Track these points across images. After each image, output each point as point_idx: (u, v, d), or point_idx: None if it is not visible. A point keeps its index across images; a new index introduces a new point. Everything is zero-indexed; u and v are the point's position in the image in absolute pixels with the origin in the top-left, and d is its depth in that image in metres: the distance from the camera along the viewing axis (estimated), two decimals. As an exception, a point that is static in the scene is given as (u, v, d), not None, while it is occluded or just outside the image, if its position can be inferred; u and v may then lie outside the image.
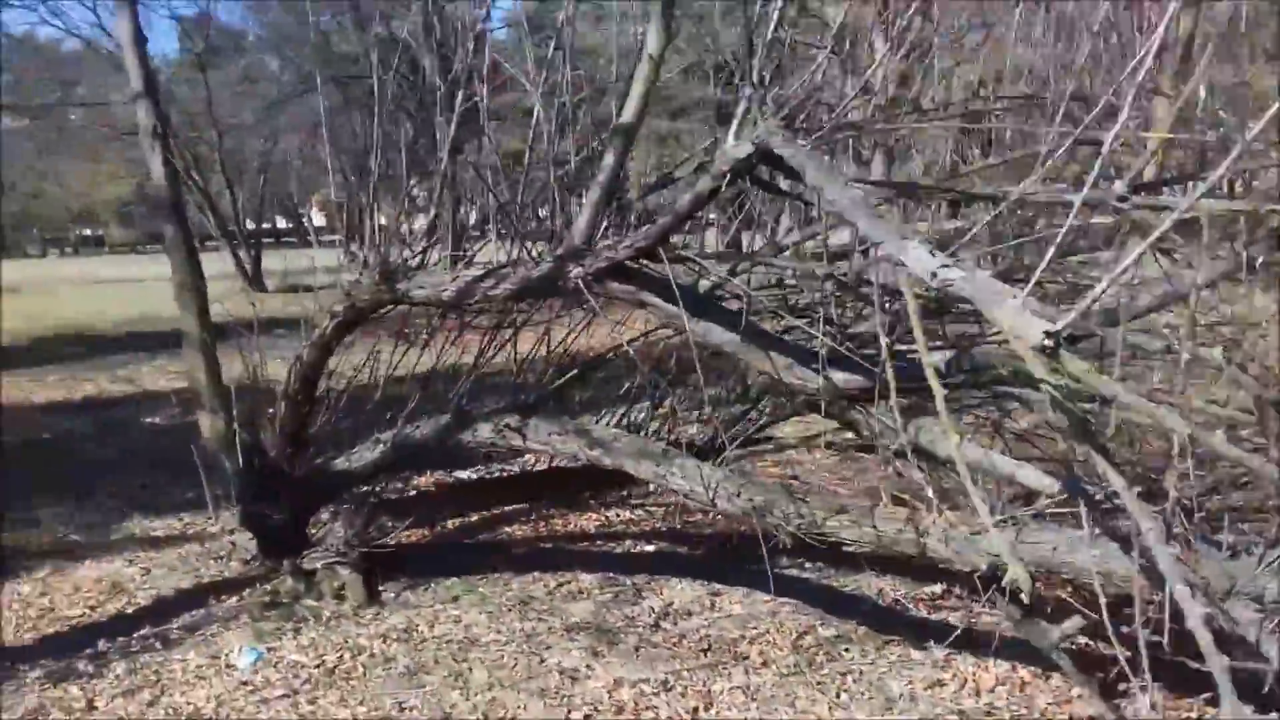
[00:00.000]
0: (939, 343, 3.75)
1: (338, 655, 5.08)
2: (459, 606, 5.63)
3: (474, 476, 7.50)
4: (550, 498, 6.59)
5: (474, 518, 6.97)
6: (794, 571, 6.03)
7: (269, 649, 5.17)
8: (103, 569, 6.44)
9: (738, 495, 4.33)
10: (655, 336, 5.42)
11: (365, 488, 6.10)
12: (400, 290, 4.97)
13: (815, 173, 3.19)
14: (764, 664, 4.85)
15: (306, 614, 5.58)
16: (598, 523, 7.16)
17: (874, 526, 3.95)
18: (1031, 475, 3.51)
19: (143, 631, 5.47)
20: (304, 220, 48.36)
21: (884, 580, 5.76)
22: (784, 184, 4.00)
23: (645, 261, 4.08)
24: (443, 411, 5.57)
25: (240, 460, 6.11)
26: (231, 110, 26.00)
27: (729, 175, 3.44)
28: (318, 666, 4.99)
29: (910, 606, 5.46)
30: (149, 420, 11.76)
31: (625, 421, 5.52)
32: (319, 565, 5.88)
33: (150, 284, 30.14)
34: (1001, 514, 3.63)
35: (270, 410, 5.83)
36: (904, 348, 3.67)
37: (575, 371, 5.39)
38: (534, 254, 4.42)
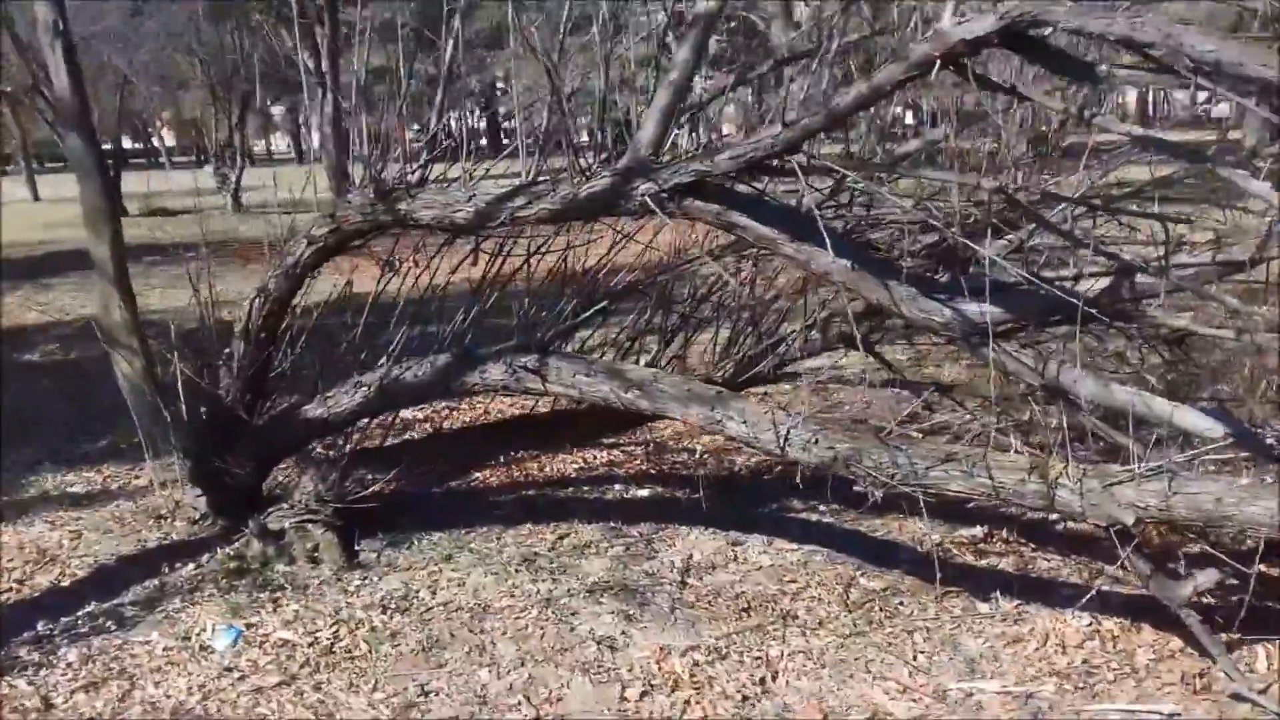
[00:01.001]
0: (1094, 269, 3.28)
1: (332, 630, 4.44)
2: (456, 567, 5.02)
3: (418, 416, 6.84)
4: (539, 440, 5.96)
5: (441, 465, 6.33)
6: (811, 516, 5.61)
7: (248, 625, 4.49)
8: (21, 534, 5.59)
9: (814, 443, 3.83)
10: (677, 261, 4.82)
11: (333, 436, 5.38)
12: (401, 211, 4.27)
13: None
14: (819, 624, 4.40)
15: (281, 581, 4.90)
16: (576, 465, 6.58)
17: (989, 477, 3.48)
18: (1193, 418, 3.08)
19: (88, 609, 4.71)
20: (154, 140, 45.57)
21: (912, 523, 5.35)
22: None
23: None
24: (431, 350, 4.89)
25: (188, 408, 5.33)
26: (93, 15, 23.78)
27: (937, 62, 2.83)
28: (311, 645, 4.34)
29: (954, 552, 5.06)
30: (24, 358, 10.59)
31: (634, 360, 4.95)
32: (288, 524, 5.18)
33: (4, 207, 27.88)
34: (1150, 461, 3.20)
35: (226, 350, 5.04)
36: (1052, 274, 3.18)
37: (602, 303, 4.75)
38: (583, 168, 3.76)
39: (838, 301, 5.01)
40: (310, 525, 5.20)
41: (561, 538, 5.39)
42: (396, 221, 4.35)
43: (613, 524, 5.53)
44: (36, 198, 33.21)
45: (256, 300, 4.89)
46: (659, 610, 4.55)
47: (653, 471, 6.43)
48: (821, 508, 5.68)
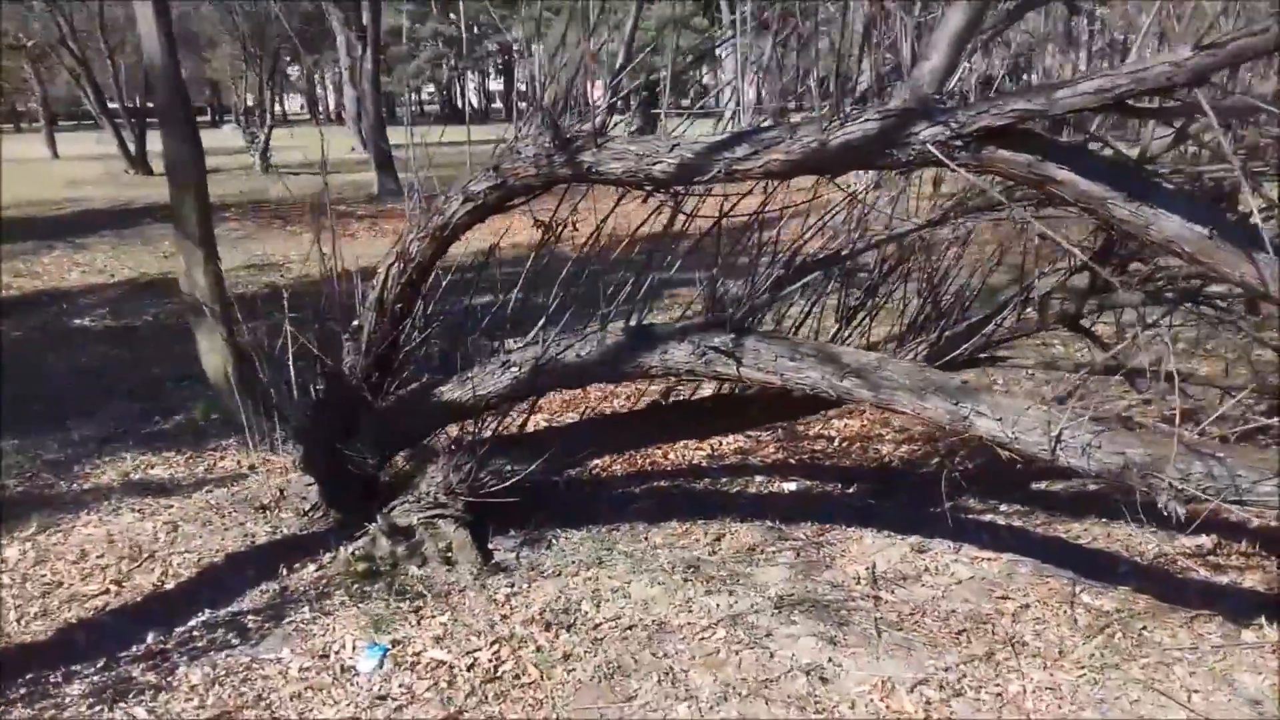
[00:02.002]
0: None
1: (492, 650, 3.83)
2: (612, 573, 4.41)
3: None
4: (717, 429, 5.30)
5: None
6: (994, 517, 4.99)
7: (393, 642, 3.89)
8: (109, 524, 4.99)
9: (1097, 447, 3.19)
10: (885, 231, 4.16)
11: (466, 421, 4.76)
12: (584, 164, 3.62)
13: None
14: (1058, 653, 3.79)
15: (418, 587, 4.30)
16: (704, 453, 5.97)
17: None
18: None
19: (203, 617, 4.12)
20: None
21: (1118, 528, 4.72)
22: None
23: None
24: (592, 324, 4.26)
25: (299, 386, 4.71)
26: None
27: None
28: (471, 668, 3.74)
29: (1182, 565, 4.43)
30: (74, 323, 9.97)
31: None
32: (416, 520, 4.57)
33: (21, 165, 27.24)
34: None
35: (355, 323, 4.41)
36: None
37: (810, 274, 4.10)
38: (844, 109, 3.09)
39: (1052, 275, 4.38)
40: (440, 521, 4.60)
41: (718, 539, 4.78)
42: (577, 175, 3.71)
43: (770, 523, 4.92)
44: (56, 155, 32.54)
45: (394, 267, 4.25)
46: (862, 632, 3.94)
47: (792, 461, 5.81)
48: (1003, 508, 5.07)
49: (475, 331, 4.61)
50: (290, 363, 4.78)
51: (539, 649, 3.83)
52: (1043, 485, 5.31)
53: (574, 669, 3.72)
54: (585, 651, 3.81)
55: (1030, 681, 3.63)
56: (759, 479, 5.56)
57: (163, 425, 6.52)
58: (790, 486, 5.46)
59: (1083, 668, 3.70)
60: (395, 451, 4.85)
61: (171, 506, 5.19)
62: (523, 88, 3.80)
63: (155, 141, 23.09)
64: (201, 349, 6.40)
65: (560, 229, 4.21)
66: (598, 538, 4.79)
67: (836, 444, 6.06)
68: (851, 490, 5.42)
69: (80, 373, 7.86)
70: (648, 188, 3.68)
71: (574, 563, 4.52)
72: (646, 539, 4.79)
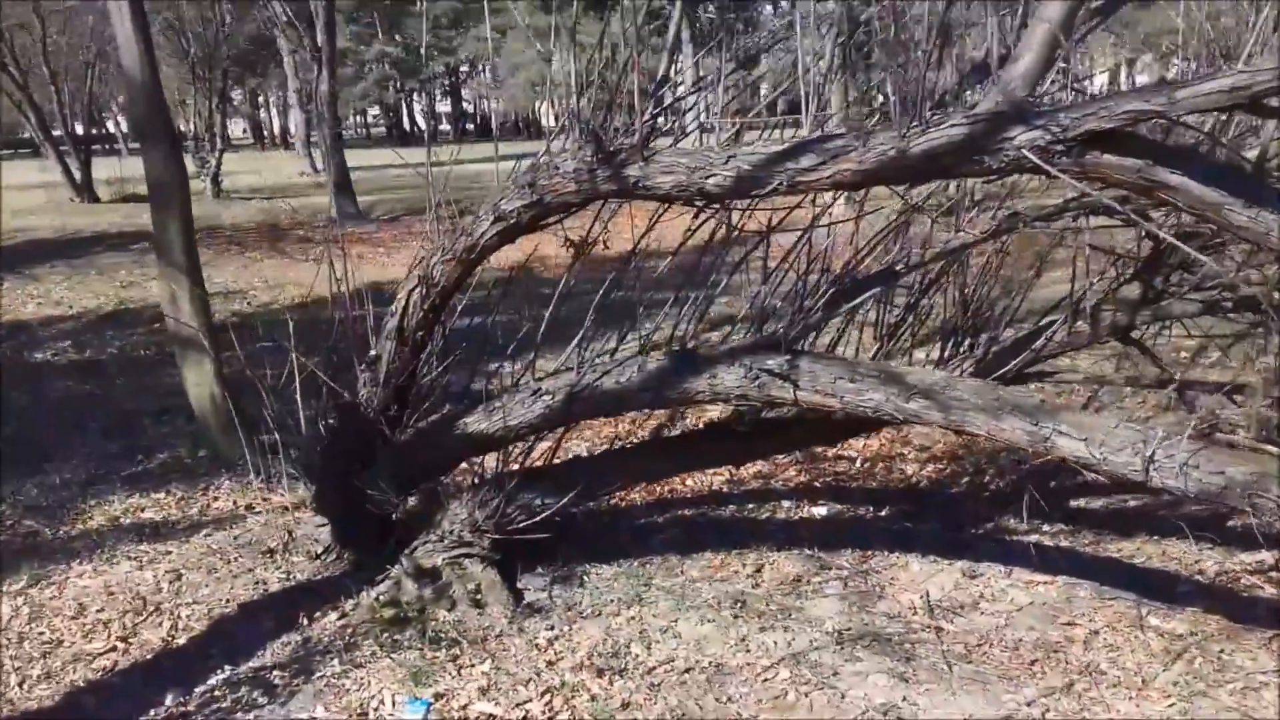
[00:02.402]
0: None
1: (544, 702, 3.57)
2: (655, 611, 4.17)
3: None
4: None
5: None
6: (1039, 538, 4.81)
7: (436, 696, 3.61)
8: (106, 574, 4.66)
9: (1194, 467, 3.00)
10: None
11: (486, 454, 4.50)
12: (631, 178, 3.40)
13: None
14: (1141, 682, 3.60)
15: (451, 632, 4.02)
16: (721, 477, 5.74)
17: None
18: None
19: (223, 675, 3.82)
20: (110, 125, 43.87)
21: (1170, 545, 4.57)
22: None
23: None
24: (622, 349, 4.03)
25: (309, 421, 4.43)
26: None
27: None
28: (523, 719, 3.46)
29: (1246, 582, 4.27)
30: (35, 357, 9.53)
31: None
32: (440, 560, 4.29)
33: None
34: None
35: (372, 354, 4.14)
36: None
37: (868, 291, 3.89)
38: (923, 114, 2.89)
39: (1101, 285, 4.22)
40: (466, 561, 4.33)
41: (758, 570, 4.56)
42: (622, 191, 3.48)
43: (809, 551, 4.71)
44: (-4, 184, 31.62)
45: (416, 292, 3.99)
46: (931, 666, 3.74)
47: (818, 485, 5.61)
48: (1045, 527, 4.90)
49: (500, 358, 4.35)
50: (297, 395, 4.50)
51: (594, 698, 3.58)
52: (1081, 502, 5.15)
53: (635, 718, 3.46)
54: (644, 699, 3.56)
55: (1117, 714, 3.44)
56: (786, 504, 5.35)
57: (147, 464, 6.17)
58: (820, 511, 5.25)
59: (1169, 697, 3.52)
60: (413, 487, 4.56)
61: (170, 553, 4.87)
62: (574, 101, 3.53)
63: (101, 168, 22.38)
64: (188, 381, 6.09)
65: (591, 246, 3.96)
66: (631, 573, 4.54)
67: (859, 465, 5.86)
68: (884, 513, 5.22)
69: (49, 410, 7.46)
70: (699, 203, 3.46)
71: (613, 601, 4.27)
72: (682, 572, 4.55)
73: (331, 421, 4.40)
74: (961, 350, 4.37)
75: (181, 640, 4.08)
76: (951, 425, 3.43)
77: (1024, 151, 2.74)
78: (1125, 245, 4.23)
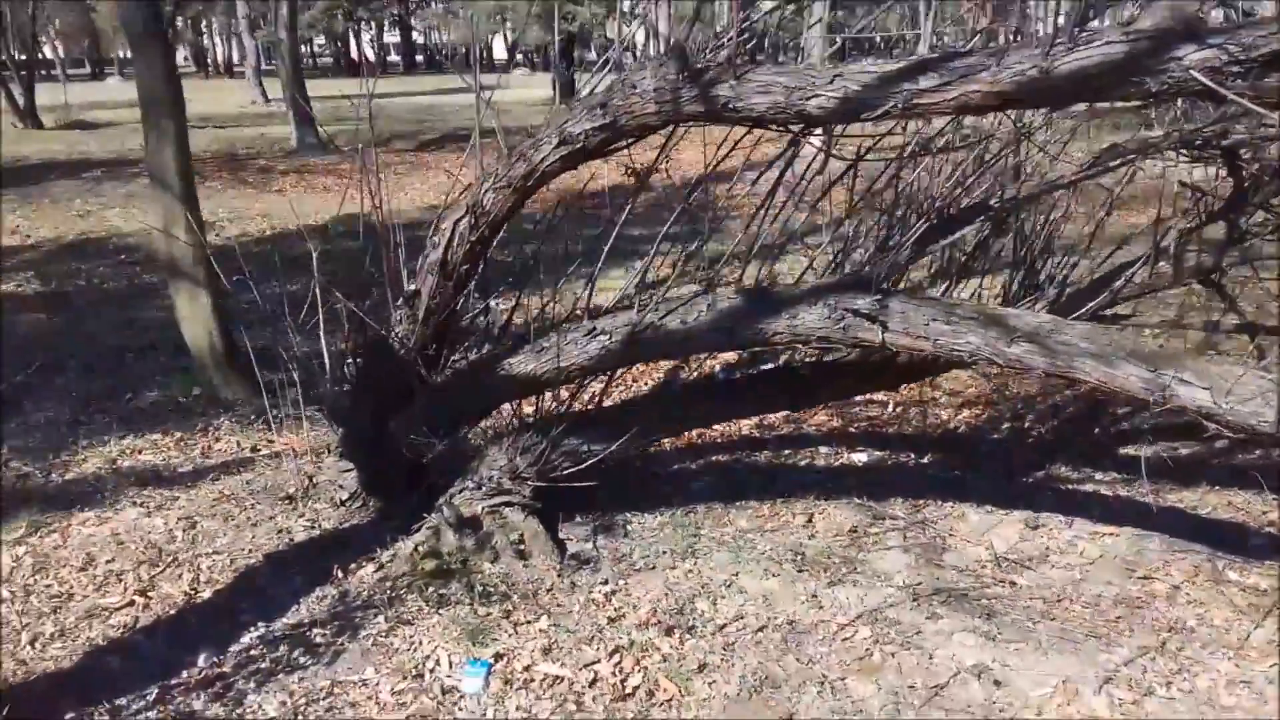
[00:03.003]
0: None
1: (613, 662, 3.34)
2: (711, 563, 3.95)
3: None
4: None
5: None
6: (1092, 486, 4.65)
7: (495, 656, 3.35)
8: (111, 522, 4.34)
9: (1333, 418, 2.80)
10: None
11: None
12: (720, 98, 3.09)
13: None
14: (1236, 640, 3.45)
15: (500, 586, 3.77)
16: (751, 423, 5.49)
17: None
18: None
19: (257, 632, 3.54)
20: (47, 50, 42.12)
21: (1229, 495, 4.43)
22: None
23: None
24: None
25: (334, 361, 4.12)
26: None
27: None
28: (593, 683, 3.25)
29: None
30: (4, 289, 9.01)
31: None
32: (481, 509, 4.02)
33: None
34: None
35: (411, 288, 3.82)
36: None
37: (964, 227, 3.63)
38: (1070, 31, 2.61)
39: (1183, 225, 4.01)
40: (506, 509, 4.06)
41: (809, 520, 4.35)
42: (710, 113, 3.17)
43: (859, 500, 4.51)
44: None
45: (463, 222, 3.66)
46: (1013, 624, 3.55)
47: (852, 430, 5.39)
48: (1099, 475, 4.73)
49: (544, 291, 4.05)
50: (321, 332, 4.17)
51: (665, 658, 3.35)
52: (1131, 449, 4.98)
53: (714, 681, 3.25)
54: (721, 660, 3.34)
55: (1219, 675, 3.28)
56: (824, 450, 5.13)
57: (137, 403, 5.80)
58: (861, 458, 5.04)
59: (1268, 656, 3.36)
60: (450, 432, 4.27)
61: (178, 498, 4.55)
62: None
63: (45, 94, 21.37)
64: (181, 315, 5.72)
65: (650, 173, 3.66)
66: (677, 522, 4.31)
67: (891, 410, 5.66)
68: (926, 461, 5.03)
69: (20, 345, 7.01)
70: (795, 126, 3.17)
71: (665, 552, 4.03)
72: (730, 522, 4.33)
73: (362, 361, 4.08)
74: (1031, 291, 4.15)
75: (206, 594, 3.78)
76: (1057, 371, 3.20)
77: (1193, 73, 2.48)
78: (1207, 184, 4.02)
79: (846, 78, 2.96)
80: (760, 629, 3.50)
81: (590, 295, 3.86)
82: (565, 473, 4.05)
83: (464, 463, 4.24)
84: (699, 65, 3.14)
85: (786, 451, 5.12)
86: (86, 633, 3.56)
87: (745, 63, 3.13)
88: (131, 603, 3.73)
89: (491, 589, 3.73)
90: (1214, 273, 3.95)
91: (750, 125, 3.21)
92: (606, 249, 3.76)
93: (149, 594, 3.78)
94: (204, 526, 4.25)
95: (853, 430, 5.36)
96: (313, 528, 4.22)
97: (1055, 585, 3.82)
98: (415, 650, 3.40)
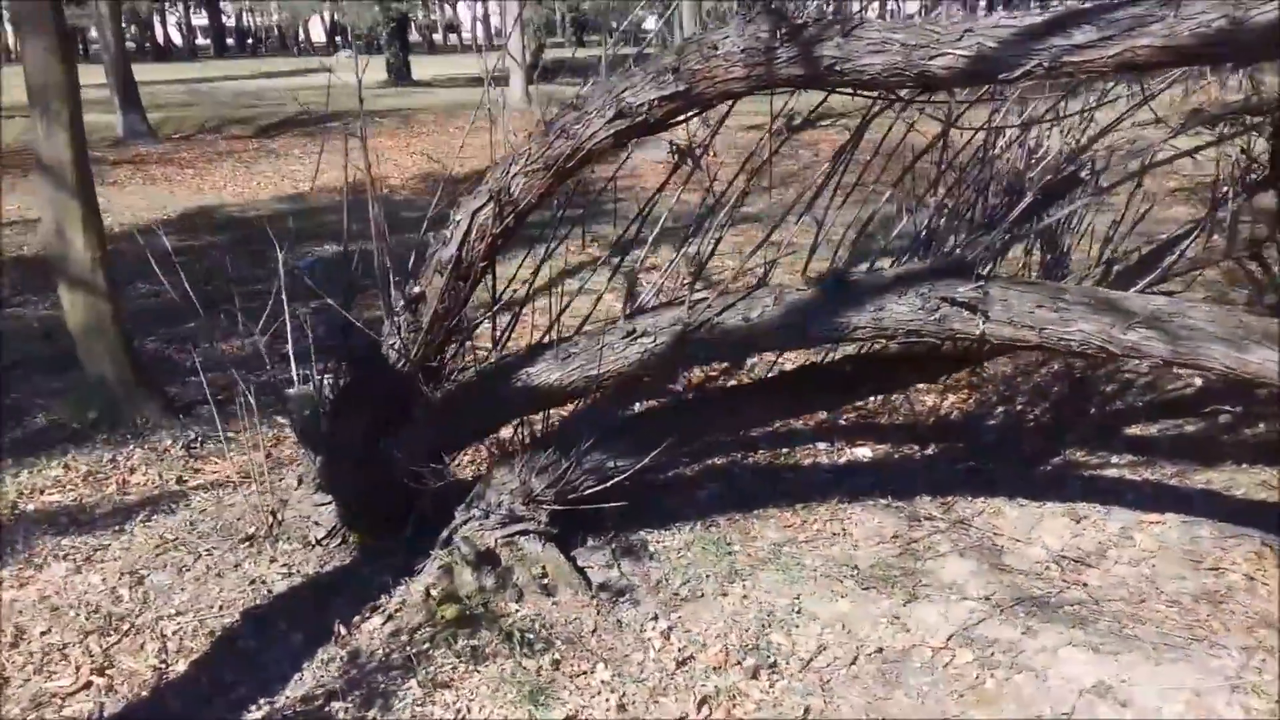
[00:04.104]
0: None
1: (701, 714, 2.92)
2: (764, 586, 3.56)
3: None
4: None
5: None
6: (1109, 471, 4.44)
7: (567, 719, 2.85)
8: (36, 581, 3.63)
9: None
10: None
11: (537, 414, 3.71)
12: (826, 60, 2.66)
13: None
14: (1337, 635, 3.23)
15: (540, 630, 3.25)
16: (731, 419, 5.08)
17: None
18: None
19: (259, 712, 2.94)
20: None
21: (1254, 474, 4.30)
22: None
23: None
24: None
25: (326, 376, 3.52)
26: None
27: None
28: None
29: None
30: None
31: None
32: (495, 540, 3.49)
33: None
34: None
35: (415, 290, 3.26)
36: None
37: (1059, 198, 3.28)
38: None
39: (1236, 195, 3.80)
40: (521, 539, 3.55)
41: (843, 527, 4.02)
42: (810, 76, 2.73)
43: (885, 501, 4.19)
44: None
45: (484, 211, 3.12)
46: (1109, 631, 3.29)
47: (843, 423, 5.05)
48: (1114, 459, 4.53)
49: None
50: (290, 337, 3.56)
51: (759, 705, 2.92)
52: (1137, 429, 4.81)
53: (826, 728, 2.83)
54: (824, 703, 2.93)
55: (1328, 672, 3.06)
56: (821, 446, 4.78)
57: (21, 432, 4.96)
58: (865, 453, 4.71)
59: (1375, 648, 3.16)
60: (450, 452, 3.72)
61: (108, 546, 3.84)
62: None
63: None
64: (76, 327, 4.93)
65: (701, 153, 3.20)
66: (702, 539, 3.88)
67: (875, 400, 5.33)
68: (932, 452, 4.74)
69: None
70: (911, 90, 2.76)
71: (707, 576, 3.60)
72: (758, 534, 3.93)
73: (351, 376, 3.48)
74: (1057, 267, 3.88)
75: (181, 667, 3.13)
76: (1180, 359, 2.91)
77: None
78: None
79: (979, 33, 2.57)
80: (852, 661, 3.11)
81: (631, 292, 3.36)
82: (587, 492, 3.55)
83: (459, 489, 3.69)
84: (800, 23, 2.69)
85: (783, 450, 4.74)
86: (41, 728, 2.87)
87: (854, 17, 2.69)
88: (89, 684, 3.06)
89: (530, 635, 3.21)
90: (1265, 244, 3.74)
91: (858, 89, 2.78)
92: (656, 230, 3.27)
93: (108, 672, 3.10)
94: (154, 581, 3.57)
95: (843, 423, 5.02)
96: (290, 574, 3.60)
97: (1129, 584, 3.57)
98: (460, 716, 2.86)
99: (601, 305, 3.77)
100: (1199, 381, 5.22)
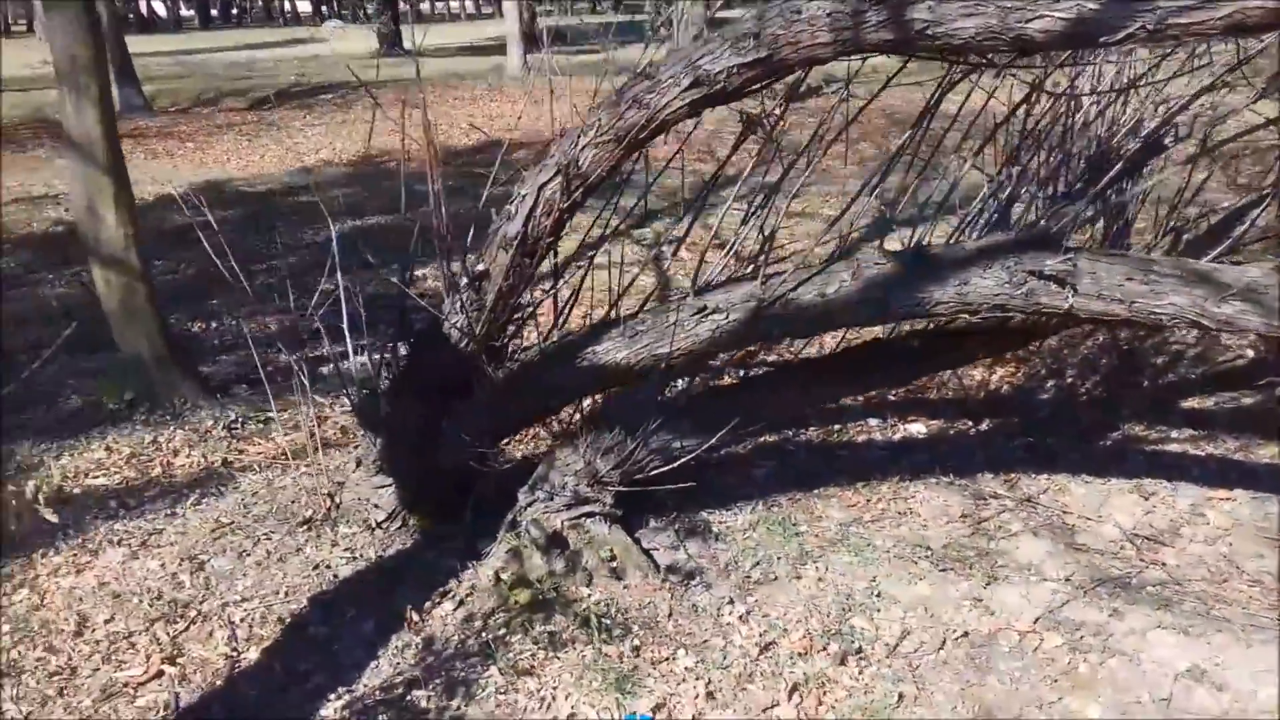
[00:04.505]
0: None
1: (793, 701, 2.85)
2: (838, 568, 3.49)
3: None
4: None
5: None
6: (1169, 446, 4.38)
7: (655, 708, 2.79)
8: (93, 567, 3.55)
9: None
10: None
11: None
12: (917, 24, 2.56)
13: None
14: None
15: (616, 615, 3.19)
16: (777, 395, 5.00)
17: None
18: None
19: (338, 701, 2.89)
20: None
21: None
22: None
23: None
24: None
25: (387, 354, 3.44)
26: None
27: None
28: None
29: None
30: None
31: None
32: (562, 522, 3.42)
33: None
34: None
35: (480, 267, 3.16)
36: None
37: (1144, 165, 3.19)
38: None
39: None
40: (588, 521, 3.47)
41: (908, 506, 3.94)
42: (900, 41, 2.62)
43: (947, 479, 4.12)
44: None
45: (551, 185, 3.03)
46: (1195, 613, 3.23)
47: (891, 398, 4.96)
48: (1174, 434, 4.46)
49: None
50: (344, 315, 3.48)
51: (850, 692, 2.86)
52: (1193, 404, 4.73)
53: (918, 714, 2.76)
54: (917, 690, 2.87)
55: None
56: (874, 422, 4.69)
57: (56, 414, 4.87)
58: (919, 429, 4.63)
59: None
60: (511, 434, 3.64)
61: (163, 531, 3.76)
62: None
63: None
64: (110, 308, 4.82)
65: (774, 124, 3.10)
66: (765, 519, 3.81)
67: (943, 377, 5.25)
68: (986, 428, 4.66)
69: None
70: (1005, 55, 2.66)
71: (777, 558, 3.53)
72: (823, 514, 3.86)
73: (413, 356, 3.40)
74: (1123, 239, 3.80)
75: (253, 654, 3.06)
76: (1276, 332, 2.82)
77: None
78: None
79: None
80: (940, 646, 3.04)
81: (699, 267, 3.27)
82: (653, 473, 3.48)
83: (517, 471, 3.62)
84: (889, -12, 2.59)
85: (835, 427, 4.65)
86: (113, 719, 2.80)
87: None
88: (160, 673, 2.98)
89: (608, 620, 3.14)
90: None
91: (948, 54, 2.68)
92: (727, 204, 3.18)
93: (178, 660, 3.03)
94: (214, 566, 3.50)
95: (892, 399, 4.94)
96: (353, 558, 3.52)
97: (1207, 563, 3.51)
98: (551, 708, 2.80)
99: (636, 281, 3.68)
100: (1250, 353, 5.14)
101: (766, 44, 2.73)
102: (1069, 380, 5.09)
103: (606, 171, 3.05)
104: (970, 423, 4.69)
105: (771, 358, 4.93)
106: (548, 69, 4.22)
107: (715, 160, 3.34)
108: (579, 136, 3.02)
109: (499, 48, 22.50)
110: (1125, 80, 3.23)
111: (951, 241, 3.24)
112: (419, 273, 6.25)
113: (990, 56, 2.68)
